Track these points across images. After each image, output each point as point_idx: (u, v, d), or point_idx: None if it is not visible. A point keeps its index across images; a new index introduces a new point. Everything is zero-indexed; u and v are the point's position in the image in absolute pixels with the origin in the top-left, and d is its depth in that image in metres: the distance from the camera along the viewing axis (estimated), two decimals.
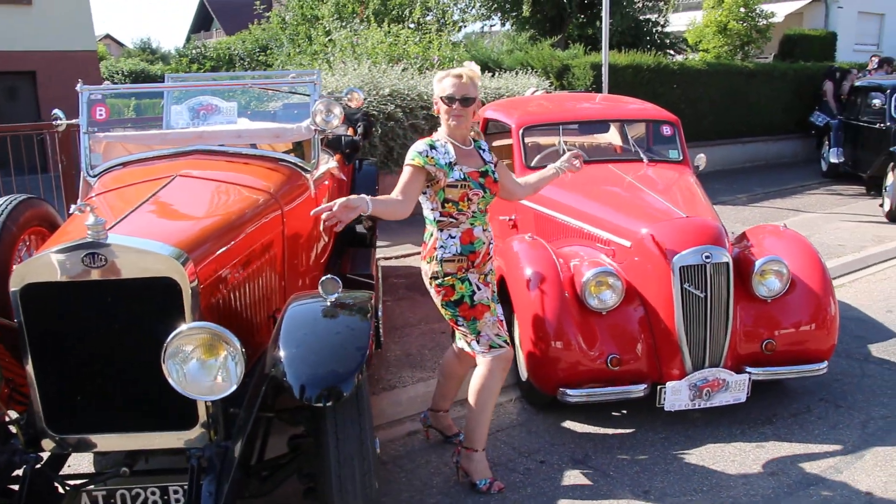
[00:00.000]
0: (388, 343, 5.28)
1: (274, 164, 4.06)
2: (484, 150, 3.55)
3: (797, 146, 14.90)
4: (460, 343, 3.64)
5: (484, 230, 3.47)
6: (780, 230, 4.70)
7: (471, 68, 3.39)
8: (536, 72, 11.92)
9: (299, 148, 4.48)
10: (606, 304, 4.00)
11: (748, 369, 4.07)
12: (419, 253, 7.49)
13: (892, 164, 9.50)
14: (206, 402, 2.68)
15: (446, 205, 3.36)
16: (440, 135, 3.43)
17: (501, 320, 3.50)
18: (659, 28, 17.85)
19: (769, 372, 4.13)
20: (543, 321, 3.96)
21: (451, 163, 3.34)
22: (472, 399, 3.48)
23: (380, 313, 4.78)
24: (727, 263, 3.97)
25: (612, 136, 6.19)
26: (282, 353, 2.55)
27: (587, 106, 6.55)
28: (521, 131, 5.38)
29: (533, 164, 5.30)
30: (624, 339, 4.01)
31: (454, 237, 3.39)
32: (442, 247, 3.39)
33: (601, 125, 6.26)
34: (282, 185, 3.81)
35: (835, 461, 3.75)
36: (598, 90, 10.84)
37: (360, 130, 6.04)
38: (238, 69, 24.13)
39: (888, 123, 10.49)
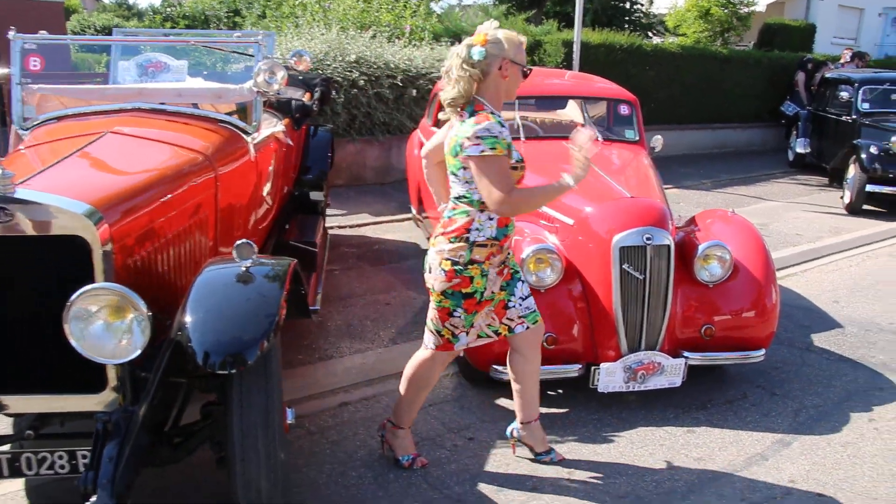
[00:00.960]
0: (330, 312, 5.21)
1: (213, 126, 3.95)
2: None
3: (767, 135, 14.92)
4: (426, 333, 3.31)
5: None
6: (728, 215, 4.69)
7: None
8: None
9: (244, 110, 4.37)
10: (545, 281, 3.96)
11: (685, 354, 4.06)
12: (374, 223, 7.57)
13: (853, 156, 9.54)
14: (113, 365, 2.61)
15: None
16: (491, 108, 3.04)
17: (511, 306, 3.27)
18: (639, 5, 17.76)
19: (706, 357, 4.13)
20: None
21: (510, 143, 3.01)
22: (405, 385, 3.39)
23: (321, 282, 4.70)
24: (668, 246, 3.94)
25: (572, 113, 6.12)
26: (188, 319, 2.48)
27: (550, 81, 6.47)
28: None
29: None
30: (561, 318, 3.98)
31: (493, 219, 3.08)
32: (478, 229, 3.06)
33: (559, 101, 6.18)
34: (218, 147, 3.70)
35: (762, 448, 3.76)
36: (569, 68, 10.75)
37: (316, 95, 5.93)
38: (213, 29, 23.65)
39: (854, 117, 10.54)
